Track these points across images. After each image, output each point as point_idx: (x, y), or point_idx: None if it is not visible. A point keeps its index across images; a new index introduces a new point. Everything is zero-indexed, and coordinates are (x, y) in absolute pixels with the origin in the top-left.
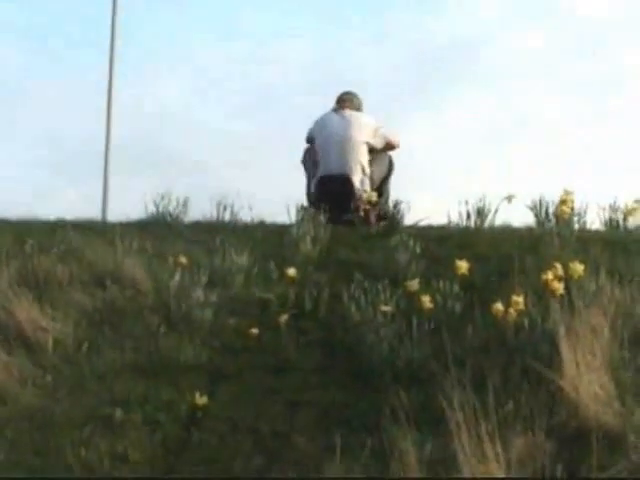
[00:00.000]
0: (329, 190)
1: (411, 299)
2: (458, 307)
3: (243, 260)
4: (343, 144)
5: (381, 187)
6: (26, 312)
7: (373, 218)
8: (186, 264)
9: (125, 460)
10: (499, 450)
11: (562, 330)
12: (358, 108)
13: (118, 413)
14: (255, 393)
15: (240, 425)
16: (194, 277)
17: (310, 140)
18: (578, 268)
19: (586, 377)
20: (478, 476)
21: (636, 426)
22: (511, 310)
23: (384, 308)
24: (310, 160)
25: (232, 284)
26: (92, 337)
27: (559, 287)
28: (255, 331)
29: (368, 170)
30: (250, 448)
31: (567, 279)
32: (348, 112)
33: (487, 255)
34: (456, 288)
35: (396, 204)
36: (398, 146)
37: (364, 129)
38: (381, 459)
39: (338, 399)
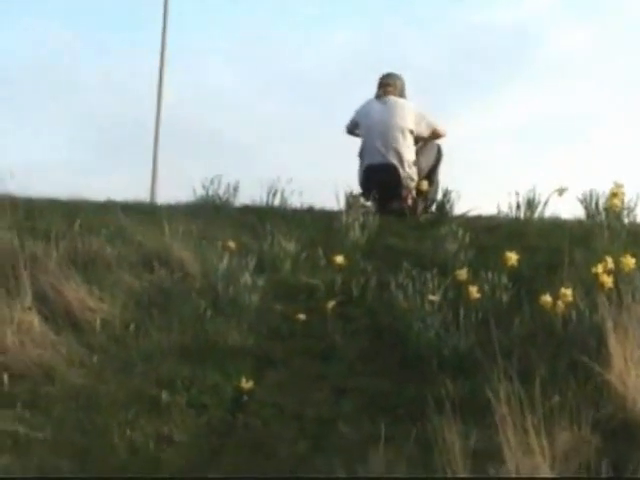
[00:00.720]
0: (376, 180)
1: (459, 289)
2: (506, 298)
3: (291, 246)
4: (386, 132)
5: (430, 176)
6: (74, 292)
7: (421, 208)
8: (234, 248)
9: (170, 442)
10: (544, 443)
11: (610, 324)
12: (401, 92)
13: (164, 395)
14: (301, 379)
15: (285, 410)
16: (242, 261)
17: (351, 130)
18: (629, 262)
19: (634, 371)
20: (523, 469)
21: None
22: (559, 302)
23: (431, 297)
24: (361, 144)
25: (280, 269)
26: (139, 319)
27: (608, 281)
28: (302, 317)
29: (414, 158)
30: (295, 434)
31: (617, 273)
32: (392, 99)
33: (536, 247)
34: (504, 279)
35: (446, 193)
36: (445, 134)
37: (408, 116)
38: (425, 449)
39: (384, 387)
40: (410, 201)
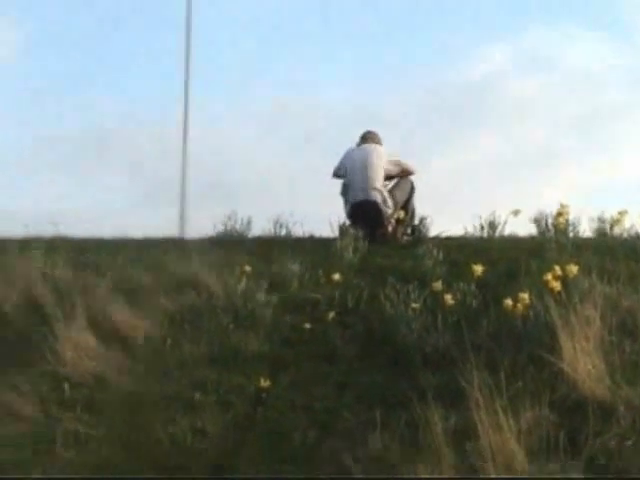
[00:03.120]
0: (360, 214)
1: (436, 297)
2: (475, 303)
3: (296, 268)
4: (366, 172)
5: (405, 206)
6: (120, 314)
7: (400, 233)
8: (250, 272)
9: (204, 434)
10: (511, 421)
11: (560, 322)
12: (378, 142)
13: (197, 395)
14: (309, 377)
15: (297, 404)
16: (257, 282)
17: (336, 173)
18: (573, 269)
19: (581, 359)
20: (494, 444)
21: (624, 399)
22: (518, 305)
23: (414, 305)
24: (343, 190)
25: (288, 287)
26: (174, 334)
27: (557, 285)
28: (308, 326)
29: (388, 193)
30: (306, 423)
31: (564, 279)
32: (369, 145)
33: (498, 260)
34: (473, 287)
35: (422, 219)
36: (415, 171)
37: (380, 157)
38: (414, 431)
39: (377, 381)
40: (390, 228)
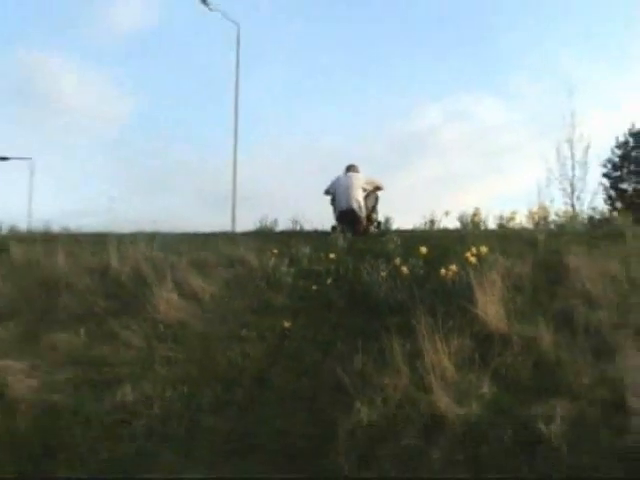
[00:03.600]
0: (344, 218)
1: (396, 268)
2: (422, 272)
3: (307, 250)
4: (347, 190)
5: (373, 210)
6: (194, 280)
7: (370, 229)
8: (277, 253)
9: (248, 356)
10: (445, 347)
11: (476, 283)
12: (357, 171)
13: (244, 332)
14: (316, 321)
15: (308, 337)
16: (281, 260)
17: (326, 192)
18: (484, 249)
19: (489, 307)
20: (435, 362)
21: (517, 332)
22: (449, 273)
23: (382, 274)
24: (332, 202)
25: (301, 263)
26: (228, 293)
27: (474, 260)
28: (314, 287)
29: (363, 203)
30: (315, 349)
31: (478, 256)
32: (352, 174)
33: (436, 244)
34: (420, 262)
35: (387, 219)
36: (383, 187)
37: (359, 180)
38: (382, 354)
39: (359, 322)
40: (364, 225)
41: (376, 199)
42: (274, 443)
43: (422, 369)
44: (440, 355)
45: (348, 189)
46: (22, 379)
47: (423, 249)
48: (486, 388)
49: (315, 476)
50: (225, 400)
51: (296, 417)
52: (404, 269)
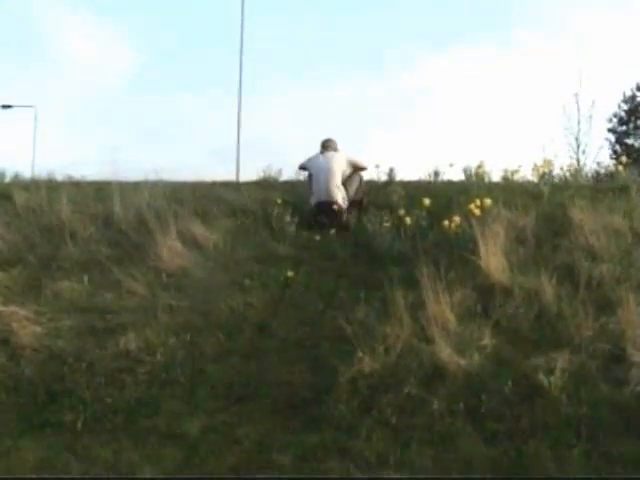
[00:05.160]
0: (324, 210)
1: (400, 219)
2: (425, 223)
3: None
4: (327, 176)
5: (356, 195)
6: (197, 229)
7: (350, 220)
8: (280, 203)
9: (251, 306)
10: (447, 298)
11: (479, 235)
12: (335, 148)
13: (247, 281)
14: (318, 270)
15: (311, 287)
16: (285, 209)
17: (302, 167)
18: (487, 201)
19: (492, 259)
20: (437, 312)
21: (518, 283)
22: (452, 225)
23: (385, 224)
24: (309, 182)
25: (305, 213)
26: (232, 241)
27: (477, 212)
28: (317, 237)
29: (345, 192)
30: (316, 299)
31: (482, 208)
32: (330, 153)
33: (440, 195)
34: (423, 213)
35: (391, 170)
36: (365, 167)
37: (339, 163)
38: (385, 304)
39: (361, 272)
40: (345, 217)
41: (360, 181)
42: (276, 391)
43: (424, 320)
44: (442, 306)
45: (328, 175)
46: (27, 325)
47: (426, 200)
48: (487, 339)
49: (316, 423)
50: (227, 348)
51: (298, 365)
52: (407, 220)
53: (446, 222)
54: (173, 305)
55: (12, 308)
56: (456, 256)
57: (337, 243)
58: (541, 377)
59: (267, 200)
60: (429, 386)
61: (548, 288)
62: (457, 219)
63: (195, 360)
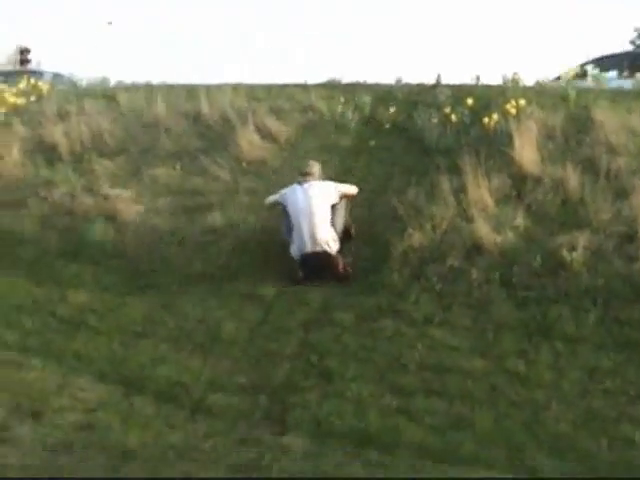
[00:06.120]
0: (312, 265)
1: (446, 116)
2: (467, 120)
3: (368, 99)
4: (312, 219)
5: (346, 226)
6: (273, 123)
7: (347, 268)
8: (343, 102)
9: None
10: (486, 183)
11: (514, 130)
12: (319, 176)
13: None
14: (376, 160)
15: (369, 174)
16: (347, 106)
17: (271, 205)
18: (521, 102)
19: (525, 151)
20: (476, 197)
21: (548, 174)
22: (492, 122)
23: (434, 120)
24: (285, 219)
25: (364, 111)
26: (303, 135)
27: (513, 111)
28: (375, 131)
29: (334, 232)
30: (374, 183)
31: (517, 107)
32: (313, 183)
33: (481, 96)
34: (466, 112)
35: (438, 77)
36: (355, 192)
37: (326, 196)
38: (431, 189)
39: (413, 161)
40: (342, 266)
41: (347, 208)
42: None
43: (466, 202)
44: (482, 191)
45: (311, 217)
46: (130, 205)
47: (469, 100)
48: (520, 220)
49: (373, 288)
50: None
51: (356, 240)
52: (453, 117)
53: (486, 119)
54: (252, 187)
55: (117, 191)
56: (494, 149)
57: (391, 136)
58: (565, 253)
59: (332, 99)
60: (469, 259)
61: (573, 177)
62: (495, 117)
63: (270, 235)
